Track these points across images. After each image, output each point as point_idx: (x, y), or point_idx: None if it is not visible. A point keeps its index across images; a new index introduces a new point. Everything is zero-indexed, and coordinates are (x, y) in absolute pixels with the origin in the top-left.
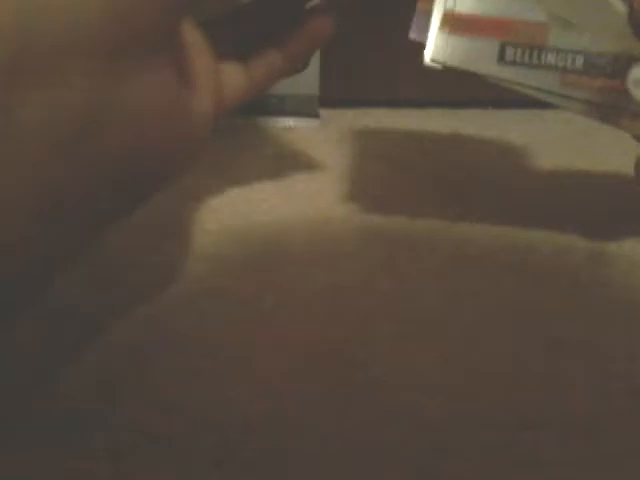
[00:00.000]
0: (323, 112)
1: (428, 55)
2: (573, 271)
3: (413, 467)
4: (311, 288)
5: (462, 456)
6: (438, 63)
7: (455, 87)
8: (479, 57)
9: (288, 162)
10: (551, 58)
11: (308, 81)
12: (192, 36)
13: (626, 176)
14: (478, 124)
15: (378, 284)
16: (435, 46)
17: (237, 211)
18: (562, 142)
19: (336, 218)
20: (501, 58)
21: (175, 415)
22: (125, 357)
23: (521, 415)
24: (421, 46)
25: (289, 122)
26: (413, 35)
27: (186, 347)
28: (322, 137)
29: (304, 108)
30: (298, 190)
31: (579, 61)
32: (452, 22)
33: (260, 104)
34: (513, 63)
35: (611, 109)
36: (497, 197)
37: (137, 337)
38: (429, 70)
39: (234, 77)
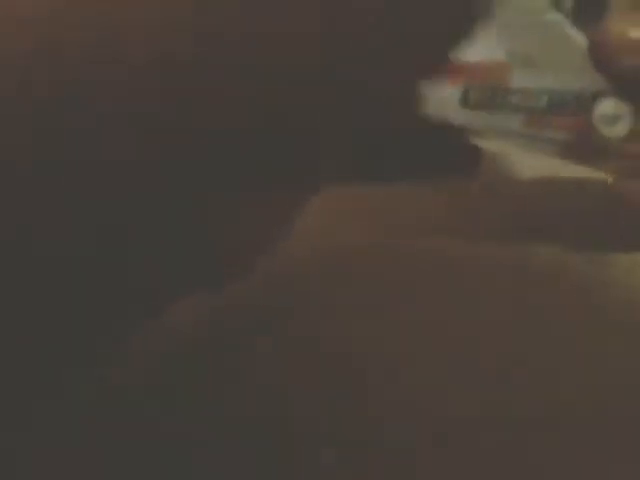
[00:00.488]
0: None
1: None
2: (573, 271)
3: (413, 467)
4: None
5: (462, 456)
6: None
7: None
8: (442, 103)
9: None
10: (515, 99)
11: None
12: None
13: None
14: None
15: (378, 284)
16: None
17: None
18: None
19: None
20: (465, 102)
21: (174, 414)
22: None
23: (521, 414)
24: None
25: None
26: None
27: (186, 346)
28: None
29: None
30: None
31: (543, 100)
32: None
33: None
34: (477, 106)
35: (579, 146)
36: (496, 194)
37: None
38: None
39: None
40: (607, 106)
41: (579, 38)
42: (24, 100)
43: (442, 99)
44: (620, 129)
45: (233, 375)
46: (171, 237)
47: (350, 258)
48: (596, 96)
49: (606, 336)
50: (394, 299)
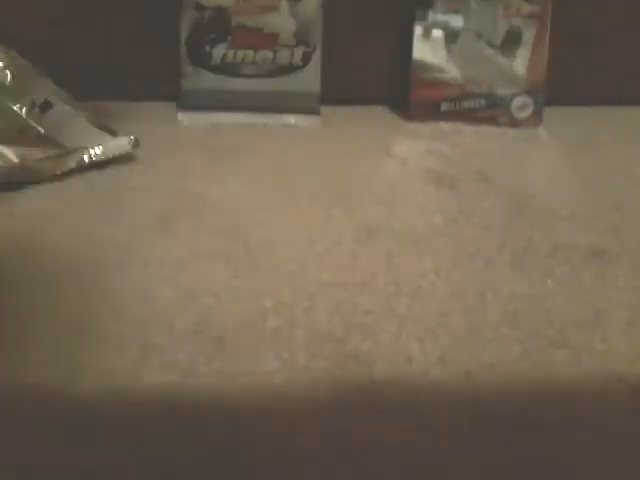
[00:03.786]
0: (324, 109)
1: None
2: (574, 268)
3: (414, 467)
4: (312, 285)
5: (462, 456)
6: None
7: None
8: None
9: (288, 159)
10: (467, 104)
11: (310, 78)
12: None
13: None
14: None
15: (379, 280)
16: None
17: (238, 208)
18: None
19: (336, 215)
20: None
21: (174, 413)
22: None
23: (521, 414)
24: None
25: (290, 119)
26: None
27: (189, 343)
28: (323, 134)
29: (305, 105)
30: (298, 186)
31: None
32: None
33: (262, 100)
34: None
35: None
36: (496, 193)
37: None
38: None
39: None
40: (519, 101)
41: (504, 62)
42: None
43: None
44: (527, 113)
45: None
46: None
47: None
48: (513, 96)
49: (606, 334)
50: None
